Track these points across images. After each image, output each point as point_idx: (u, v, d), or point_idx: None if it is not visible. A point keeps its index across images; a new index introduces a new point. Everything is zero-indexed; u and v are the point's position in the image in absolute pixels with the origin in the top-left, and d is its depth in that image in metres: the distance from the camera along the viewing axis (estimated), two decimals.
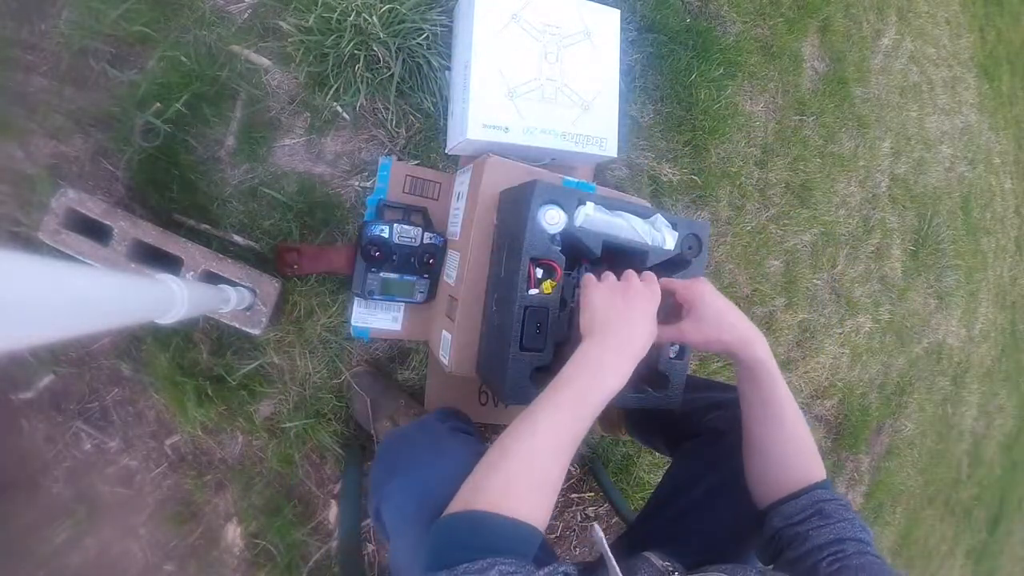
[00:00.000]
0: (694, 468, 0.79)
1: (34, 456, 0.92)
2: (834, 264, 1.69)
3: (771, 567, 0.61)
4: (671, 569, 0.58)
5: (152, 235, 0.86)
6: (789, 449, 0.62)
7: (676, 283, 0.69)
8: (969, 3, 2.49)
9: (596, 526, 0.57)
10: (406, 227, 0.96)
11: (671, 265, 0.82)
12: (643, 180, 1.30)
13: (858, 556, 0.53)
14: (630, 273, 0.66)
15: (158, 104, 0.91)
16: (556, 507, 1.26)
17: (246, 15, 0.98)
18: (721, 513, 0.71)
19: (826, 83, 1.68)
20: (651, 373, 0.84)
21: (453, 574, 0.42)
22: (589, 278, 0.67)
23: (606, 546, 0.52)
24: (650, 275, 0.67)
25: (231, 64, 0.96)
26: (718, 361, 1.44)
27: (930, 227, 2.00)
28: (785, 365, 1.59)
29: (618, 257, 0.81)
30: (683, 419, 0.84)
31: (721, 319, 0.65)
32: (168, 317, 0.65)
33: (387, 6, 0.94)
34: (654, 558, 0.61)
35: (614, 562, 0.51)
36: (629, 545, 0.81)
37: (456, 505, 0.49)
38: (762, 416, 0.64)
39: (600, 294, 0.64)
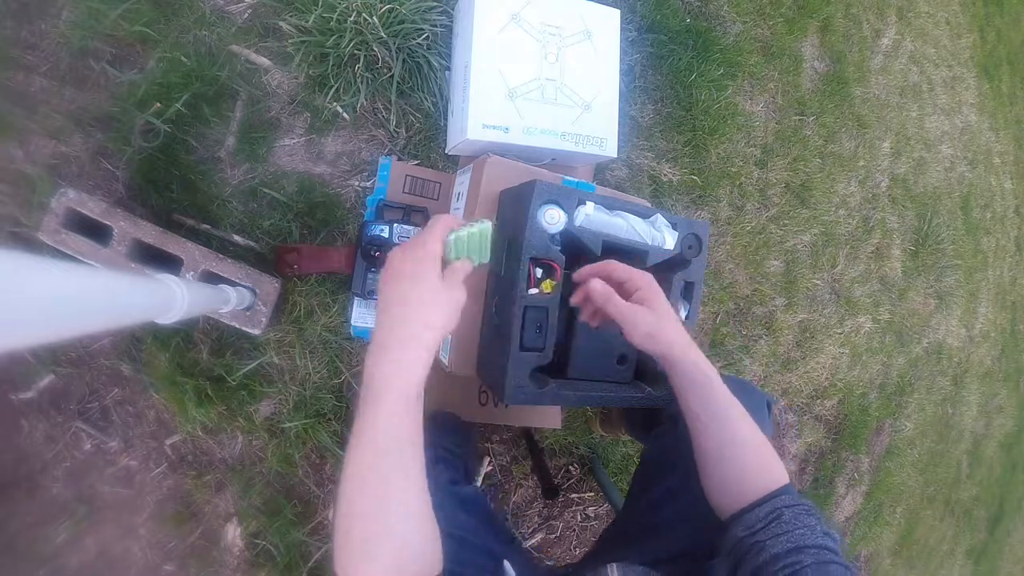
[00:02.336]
0: (662, 453, 0.80)
1: (34, 456, 0.92)
2: (834, 264, 1.69)
3: None
4: None
5: (152, 235, 0.86)
6: (740, 459, 0.59)
7: (629, 271, 0.65)
8: (969, 3, 2.49)
9: (507, 565, 0.56)
10: (406, 227, 0.96)
11: (671, 265, 0.82)
12: (643, 180, 1.30)
13: (816, 567, 0.49)
14: (396, 248, 0.54)
15: (158, 104, 0.91)
16: (556, 507, 1.26)
17: (246, 15, 0.98)
18: (692, 503, 0.69)
19: (826, 83, 1.68)
20: (651, 373, 0.84)
21: None
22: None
23: None
24: (429, 224, 0.55)
25: (231, 64, 0.96)
26: (719, 362, 1.44)
27: (930, 227, 2.00)
28: (785, 365, 1.59)
29: (618, 257, 0.81)
30: (655, 410, 0.85)
31: (670, 318, 0.62)
32: (168, 317, 0.65)
33: (387, 6, 0.94)
34: (614, 570, 0.60)
35: None
36: (612, 537, 0.82)
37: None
38: (706, 427, 0.60)
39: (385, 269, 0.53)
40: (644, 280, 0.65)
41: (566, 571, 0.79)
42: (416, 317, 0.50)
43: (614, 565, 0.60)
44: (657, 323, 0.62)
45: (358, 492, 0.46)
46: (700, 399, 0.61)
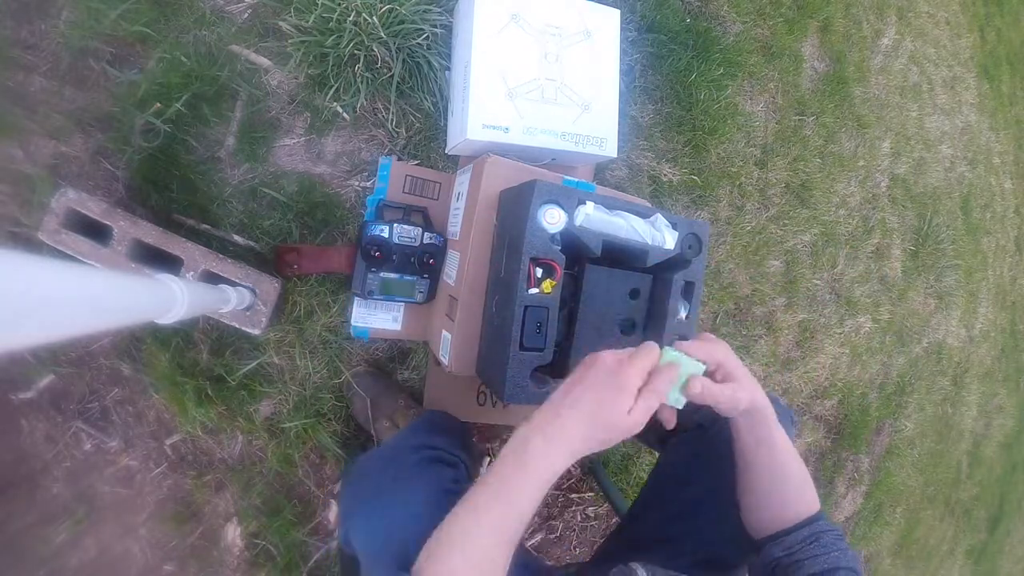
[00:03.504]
0: (681, 465, 0.80)
1: (34, 456, 0.92)
2: (834, 264, 1.69)
3: None
4: None
5: (152, 235, 0.86)
6: (787, 487, 0.62)
7: (695, 348, 0.60)
8: (969, 3, 2.49)
9: None
10: (406, 227, 0.96)
11: (671, 265, 0.82)
12: (643, 180, 1.30)
13: None
14: (610, 355, 0.54)
15: (158, 104, 0.91)
16: (556, 507, 1.26)
17: (246, 15, 0.98)
18: (713, 518, 0.72)
19: (826, 83, 1.68)
20: None
21: None
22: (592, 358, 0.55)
23: None
24: (645, 351, 0.54)
25: (231, 64, 0.96)
26: None
27: (930, 227, 2.00)
28: (785, 365, 1.59)
29: (618, 256, 0.81)
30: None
31: (751, 379, 0.60)
32: (168, 317, 0.65)
33: (387, 6, 0.94)
34: (640, 570, 0.61)
35: None
36: (620, 544, 0.81)
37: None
38: (760, 457, 0.62)
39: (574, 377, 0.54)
40: (722, 353, 0.60)
41: (568, 571, 0.79)
42: (593, 434, 0.51)
43: (638, 565, 0.61)
44: (751, 397, 0.59)
45: (488, 546, 0.49)
46: (761, 439, 0.62)
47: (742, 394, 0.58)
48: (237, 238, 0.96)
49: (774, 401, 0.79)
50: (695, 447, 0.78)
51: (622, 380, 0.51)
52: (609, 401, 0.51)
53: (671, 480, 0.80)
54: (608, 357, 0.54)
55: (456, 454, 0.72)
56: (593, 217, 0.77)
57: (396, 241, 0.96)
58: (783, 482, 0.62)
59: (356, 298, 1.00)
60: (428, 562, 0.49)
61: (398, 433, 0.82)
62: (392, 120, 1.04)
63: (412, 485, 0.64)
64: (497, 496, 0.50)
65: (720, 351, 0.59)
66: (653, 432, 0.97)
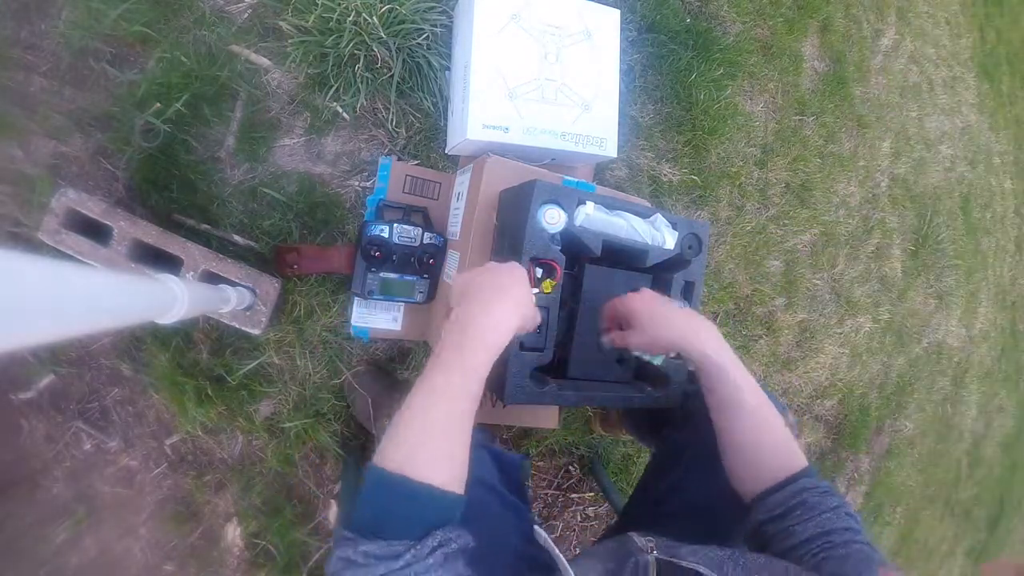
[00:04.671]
0: (668, 452, 0.81)
1: (34, 456, 0.92)
2: (834, 264, 1.69)
3: None
4: (651, 546, 0.59)
5: (152, 235, 0.86)
6: (760, 440, 0.62)
7: (614, 301, 0.75)
8: (969, 3, 2.49)
9: (538, 528, 0.59)
10: (406, 227, 0.96)
11: (671, 265, 0.82)
12: (643, 180, 1.30)
13: (844, 546, 0.53)
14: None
15: (158, 104, 0.91)
16: (556, 507, 1.26)
17: (246, 15, 0.98)
18: (694, 493, 0.72)
19: (826, 83, 1.68)
20: (651, 374, 0.84)
21: (397, 556, 0.42)
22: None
23: (552, 545, 0.53)
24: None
25: (231, 64, 0.96)
26: None
27: (930, 227, 2.00)
28: (785, 365, 1.59)
29: (618, 256, 0.81)
30: (664, 411, 0.86)
31: (656, 321, 0.69)
32: (168, 317, 0.65)
33: (387, 6, 0.94)
34: (636, 536, 0.62)
35: (563, 561, 0.54)
36: (616, 533, 0.82)
37: (386, 462, 0.46)
38: (723, 409, 0.64)
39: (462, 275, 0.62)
40: (633, 303, 0.73)
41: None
42: (514, 308, 0.56)
43: (634, 533, 0.62)
44: (670, 342, 0.68)
45: (422, 414, 0.49)
46: (725, 399, 0.64)
47: (644, 338, 0.70)
48: (237, 238, 0.96)
49: (768, 391, 0.80)
50: (680, 439, 0.79)
51: (515, 272, 0.60)
52: (518, 283, 0.58)
53: (659, 468, 0.82)
54: (484, 268, 0.61)
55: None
56: (593, 217, 0.77)
57: (396, 241, 0.95)
58: (754, 435, 0.62)
59: (356, 298, 1.00)
60: (388, 443, 0.48)
61: None
62: (392, 120, 1.04)
63: None
64: (447, 371, 0.51)
65: (631, 302, 0.72)
66: (648, 426, 0.97)
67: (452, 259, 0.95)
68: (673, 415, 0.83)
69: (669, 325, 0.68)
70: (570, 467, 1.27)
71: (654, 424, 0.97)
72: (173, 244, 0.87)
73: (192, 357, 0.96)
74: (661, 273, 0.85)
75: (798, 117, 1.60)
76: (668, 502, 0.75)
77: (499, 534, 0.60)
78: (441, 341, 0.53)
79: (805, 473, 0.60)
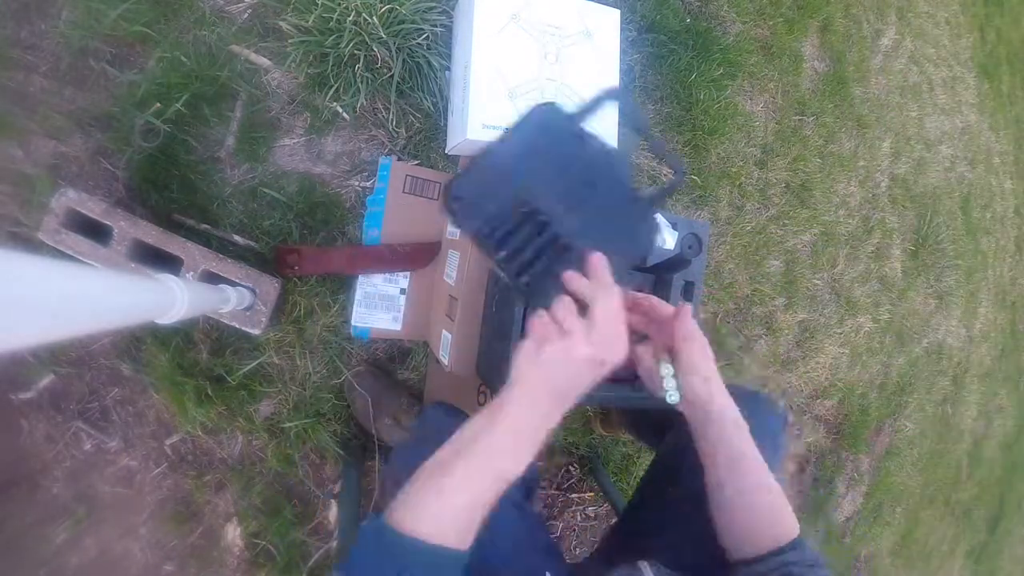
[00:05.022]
0: (673, 458, 0.79)
1: (34, 456, 0.92)
2: (834, 264, 1.69)
3: None
4: None
5: (152, 235, 0.86)
6: (756, 505, 0.58)
7: (665, 308, 0.63)
8: (969, 3, 2.49)
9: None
10: None
11: (671, 265, 0.82)
12: (643, 180, 1.30)
13: None
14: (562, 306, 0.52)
15: (158, 104, 0.91)
16: (556, 507, 1.26)
17: (246, 15, 0.98)
18: (707, 517, 0.70)
19: (826, 83, 1.68)
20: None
21: None
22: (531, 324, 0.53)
23: None
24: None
25: (231, 64, 0.96)
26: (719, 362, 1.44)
27: (930, 227, 2.00)
28: (785, 365, 1.59)
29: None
30: (665, 412, 0.85)
31: (706, 351, 0.60)
32: (168, 317, 0.65)
33: (387, 6, 0.94)
34: (647, 569, 0.60)
35: None
36: (618, 543, 0.81)
37: (397, 520, 0.46)
38: (726, 470, 0.59)
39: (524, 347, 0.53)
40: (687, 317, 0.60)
41: (572, 570, 0.79)
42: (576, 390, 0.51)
43: (645, 564, 0.60)
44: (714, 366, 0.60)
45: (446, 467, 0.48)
46: (728, 444, 0.59)
47: (686, 367, 0.59)
48: (237, 238, 0.96)
49: (764, 403, 0.77)
50: (684, 442, 0.77)
51: (559, 326, 0.51)
52: (559, 347, 0.50)
53: (664, 477, 0.80)
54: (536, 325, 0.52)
55: None
56: None
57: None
58: (748, 503, 0.58)
59: (359, 298, 1.00)
60: (402, 509, 0.47)
61: (422, 418, 0.82)
62: (392, 120, 1.04)
63: None
64: (473, 451, 0.49)
65: (693, 326, 0.60)
66: (650, 428, 0.97)
67: (452, 259, 0.95)
68: (674, 416, 0.83)
69: (709, 365, 0.60)
70: (570, 467, 1.27)
71: (654, 425, 0.97)
72: (173, 244, 0.87)
73: (192, 357, 0.96)
74: (661, 273, 0.85)
75: (798, 117, 1.60)
76: (676, 518, 0.73)
77: (520, 551, 0.59)
78: (508, 409, 0.51)
79: (793, 545, 0.56)
